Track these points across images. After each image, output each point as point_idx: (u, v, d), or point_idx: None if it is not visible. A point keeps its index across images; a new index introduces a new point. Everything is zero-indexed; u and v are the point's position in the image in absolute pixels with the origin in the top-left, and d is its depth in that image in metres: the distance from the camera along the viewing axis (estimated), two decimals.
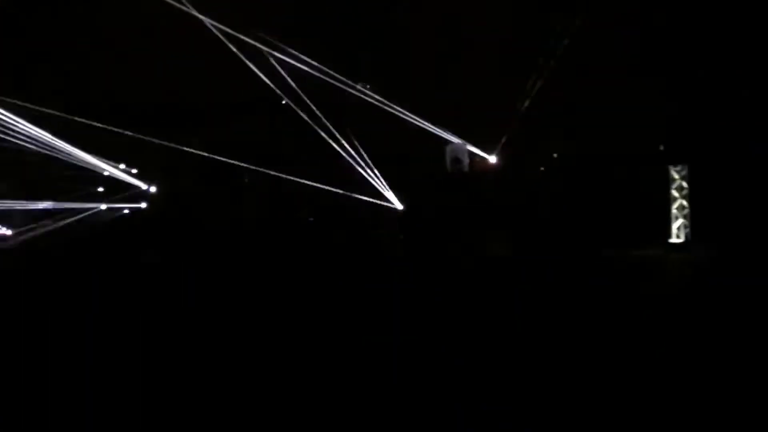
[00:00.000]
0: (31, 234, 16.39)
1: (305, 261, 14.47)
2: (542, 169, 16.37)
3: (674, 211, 15.13)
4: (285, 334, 9.06)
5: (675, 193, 15.15)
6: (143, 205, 17.71)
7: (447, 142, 16.48)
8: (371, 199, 16.52)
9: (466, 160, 16.52)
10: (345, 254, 15.31)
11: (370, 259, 15.08)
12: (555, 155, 16.41)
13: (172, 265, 14.68)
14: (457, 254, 14.63)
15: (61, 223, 16.65)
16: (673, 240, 15.14)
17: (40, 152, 15.49)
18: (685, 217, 15.09)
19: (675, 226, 15.11)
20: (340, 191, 16.65)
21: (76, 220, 16.83)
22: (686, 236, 15.05)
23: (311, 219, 17.48)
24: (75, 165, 16.27)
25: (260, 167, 16.53)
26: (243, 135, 17.38)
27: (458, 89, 16.41)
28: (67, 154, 15.97)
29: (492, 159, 16.47)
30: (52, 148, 15.66)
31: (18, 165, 15.74)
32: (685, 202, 15.11)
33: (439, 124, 16.41)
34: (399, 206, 16.67)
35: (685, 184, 15.11)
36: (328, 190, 16.52)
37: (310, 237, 16.57)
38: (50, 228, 16.59)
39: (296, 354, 8.12)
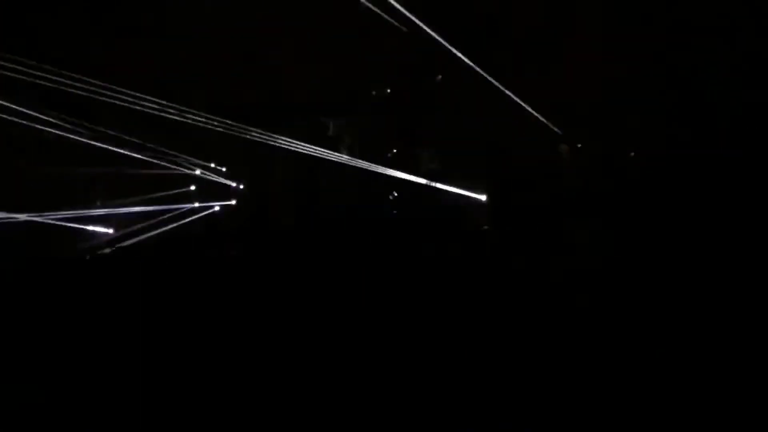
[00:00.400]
0: (129, 234, 17.25)
1: (387, 255, 14.40)
2: (632, 154, 15.50)
3: None
4: (363, 327, 9.09)
5: None
6: (233, 202, 18.25)
7: (533, 129, 15.93)
8: (455, 189, 16.26)
9: (564, 148, 15.92)
10: (430, 248, 15.13)
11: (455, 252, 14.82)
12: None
13: (256, 258, 15.01)
14: (543, 244, 14.11)
15: (156, 222, 17.44)
16: None
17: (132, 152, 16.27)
18: None
19: None
20: (425, 181, 16.48)
21: (169, 218, 17.59)
22: None
23: (395, 207, 17.40)
24: (168, 164, 17.00)
25: (346, 161, 16.64)
26: (323, 130, 17.56)
27: (546, 74, 15.89)
28: (160, 153, 16.68)
29: (579, 145, 15.80)
30: (145, 147, 16.38)
31: (112, 165, 16.56)
32: None
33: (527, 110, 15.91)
34: (483, 197, 16.30)
35: None
36: (412, 181, 16.41)
37: (393, 229, 16.49)
38: (147, 227, 17.41)
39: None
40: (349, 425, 6.27)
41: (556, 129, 15.78)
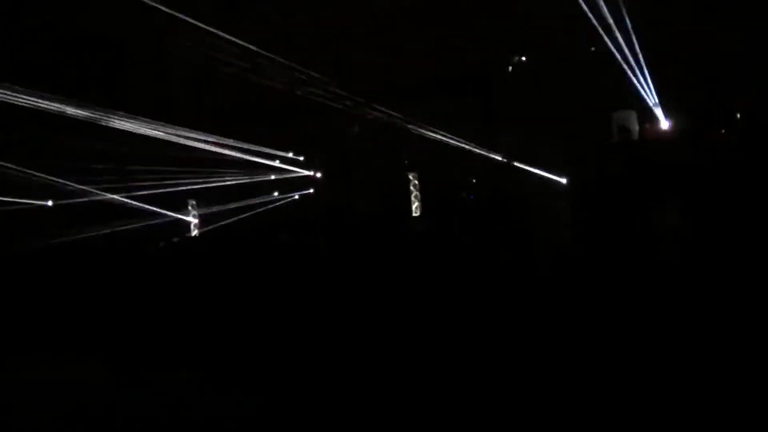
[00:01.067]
0: (212, 221, 17.77)
1: (463, 239, 14.35)
2: (723, 131, 14.88)
3: None
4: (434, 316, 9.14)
5: None
6: (311, 190, 18.55)
7: (614, 108, 15.55)
8: (534, 170, 16.03)
9: (635, 128, 15.46)
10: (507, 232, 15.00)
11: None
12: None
13: (336, 246, 15.22)
14: (626, 228, 13.77)
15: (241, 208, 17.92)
16: None
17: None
18: None
19: None
20: (502, 158, 16.31)
21: (250, 207, 18.03)
22: None
23: (471, 196, 17.32)
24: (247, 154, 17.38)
25: (418, 148, 16.64)
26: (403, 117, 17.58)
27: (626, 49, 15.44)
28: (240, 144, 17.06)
29: (664, 125, 15.28)
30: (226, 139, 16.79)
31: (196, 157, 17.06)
32: None
33: (603, 91, 15.52)
34: (563, 179, 16.00)
35: None
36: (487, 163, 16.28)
37: (469, 214, 16.41)
38: (229, 213, 17.90)
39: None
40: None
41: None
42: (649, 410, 5.74)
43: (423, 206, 17.39)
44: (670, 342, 7.26)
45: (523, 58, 15.75)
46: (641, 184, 14.23)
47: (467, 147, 16.24)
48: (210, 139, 16.50)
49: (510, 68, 16.33)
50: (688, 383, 6.17)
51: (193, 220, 17.74)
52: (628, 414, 5.73)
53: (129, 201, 16.70)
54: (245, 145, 16.94)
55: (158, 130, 15.85)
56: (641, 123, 15.46)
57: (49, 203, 17.08)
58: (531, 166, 16.02)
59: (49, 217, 17.14)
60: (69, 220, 16.56)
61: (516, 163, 16.12)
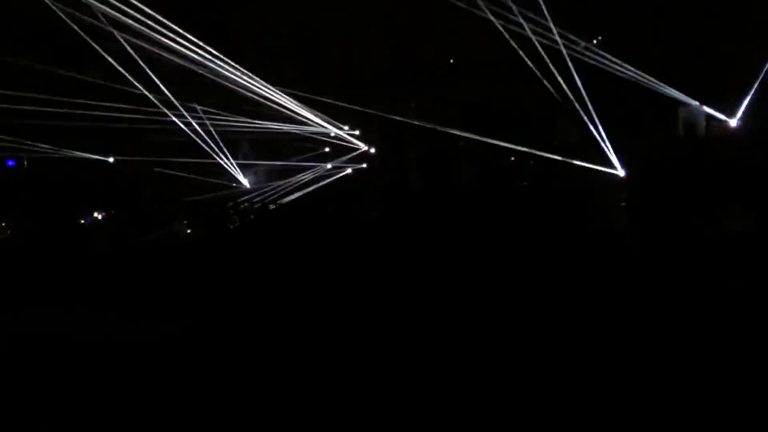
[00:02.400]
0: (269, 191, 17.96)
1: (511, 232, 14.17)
2: None
3: None
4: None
5: None
6: (364, 165, 18.56)
7: (680, 104, 15.13)
8: (592, 165, 15.72)
9: (702, 124, 15.03)
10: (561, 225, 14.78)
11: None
12: None
13: (388, 221, 15.22)
14: (688, 228, 13.44)
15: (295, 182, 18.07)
16: None
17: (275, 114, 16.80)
18: None
19: None
20: (559, 158, 16.07)
21: (304, 181, 18.14)
22: None
23: (525, 183, 17.11)
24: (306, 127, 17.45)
25: (475, 132, 16.45)
26: (461, 98, 17.43)
27: (694, 45, 15.08)
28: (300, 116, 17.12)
29: (732, 122, 14.82)
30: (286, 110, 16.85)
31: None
32: None
33: (671, 85, 15.12)
34: (621, 173, 15.66)
35: None
36: (544, 155, 16.03)
37: (521, 205, 16.19)
38: (283, 186, 18.05)
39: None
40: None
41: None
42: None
43: (476, 190, 17.25)
44: (731, 350, 7.09)
45: (585, 44, 15.37)
46: (705, 183, 13.88)
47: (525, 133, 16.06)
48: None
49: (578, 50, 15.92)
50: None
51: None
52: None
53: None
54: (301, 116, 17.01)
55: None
56: (709, 119, 15.04)
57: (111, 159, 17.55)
58: (589, 157, 15.73)
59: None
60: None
61: (573, 153, 15.84)
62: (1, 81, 14.56)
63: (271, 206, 16.64)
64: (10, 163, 17.91)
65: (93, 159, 17.16)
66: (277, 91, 16.21)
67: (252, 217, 16.14)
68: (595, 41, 15.47)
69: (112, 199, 17.34)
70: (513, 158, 17.18)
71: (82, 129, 15.92)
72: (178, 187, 17.58)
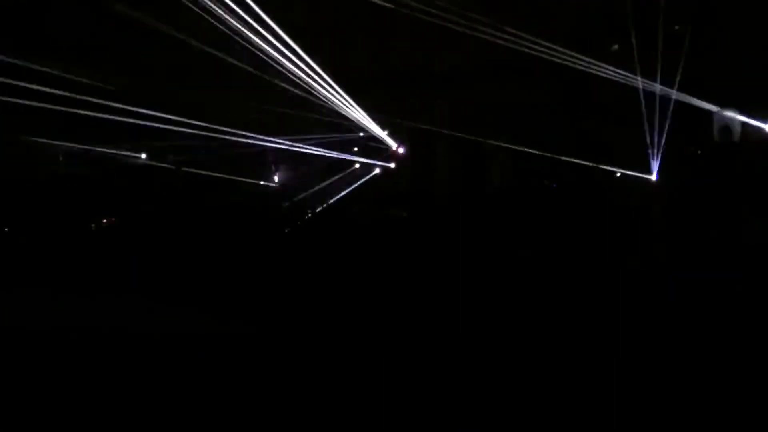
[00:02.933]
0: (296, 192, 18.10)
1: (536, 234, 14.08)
2: None
3: None
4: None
5: None
6: (392, 165, 18.55)
7: (715, 108, 14.88)
8: (622, 170, 15.61)
9: (738, 129, 14.77)
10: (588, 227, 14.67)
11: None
12: None
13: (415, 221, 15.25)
14: (719, 235, 13.26)
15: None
16: None
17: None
18: None
19: None
20: (588, 163, 15.95)
21: (332, 181, 18.22)
22: None
23: (554, 185, 16.98)
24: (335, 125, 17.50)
25: (502, 133, 16.40)
26: (488, 99, 17.35)
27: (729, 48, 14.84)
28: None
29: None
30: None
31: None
32: None
33: (705, 89, 14.89)
34: (653, 177, 15.47)
35: None
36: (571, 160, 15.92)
37: (548, 207, 16.09)
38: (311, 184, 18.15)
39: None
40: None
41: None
42: None
43: (504, 191, 17.19)
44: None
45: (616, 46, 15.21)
46: (740, 190, 13.68)
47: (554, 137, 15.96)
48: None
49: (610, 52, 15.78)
50: None
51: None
52: None
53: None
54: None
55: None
56: (745, 123, 14.78)
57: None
58: (619, 161, 15.60)
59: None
60: None
61: (604, 158, 15.72)
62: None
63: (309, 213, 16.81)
64: None
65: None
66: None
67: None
68: (615, 46, 15.27)
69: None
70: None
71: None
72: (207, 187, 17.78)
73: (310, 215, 16.71)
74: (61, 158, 17.38)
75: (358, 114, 17.32)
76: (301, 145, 17.55)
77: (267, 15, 14.62)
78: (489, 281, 10.22)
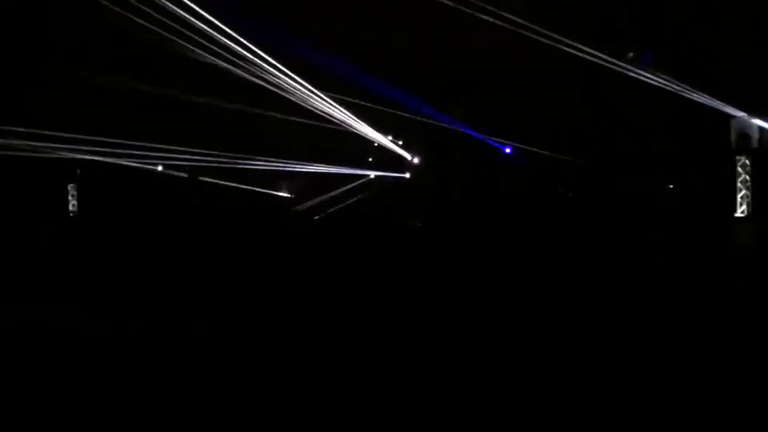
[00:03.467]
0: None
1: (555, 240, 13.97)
2: None
3: None
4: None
5: None
6: (407, 175, 18.54)
7: (732, 115, 14.71)
8: (635, 175, 15.46)
9: (756, 136, 14.57)
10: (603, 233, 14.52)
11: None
12: None
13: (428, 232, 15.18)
14: (736, 242, 13.07)
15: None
16: None
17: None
18: None
19: None
20: (605, 168, 15.83)
21: (347, 189, 18.25)
22: None
23: (570, 194, 16.88)
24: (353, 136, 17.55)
25: (520, 141, 16.35)
26: (501, 109, 17.32)
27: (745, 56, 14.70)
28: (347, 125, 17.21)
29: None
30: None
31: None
32: None
33: (723, 96, 14.74)
34: (668, 184, 15.35)
35: None
36: (589, 166, 15.82)
37: (564, 214, 15.98)
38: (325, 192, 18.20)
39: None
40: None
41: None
42: None
43: (518, 200, 17.10)
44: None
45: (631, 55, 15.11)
46: (758, 196, 13.49)
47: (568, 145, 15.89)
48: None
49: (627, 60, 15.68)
50: None
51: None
52: None
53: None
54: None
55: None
56: (762, 131, 14.58)
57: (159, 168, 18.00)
58: (635, 168, 15.48)
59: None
60: None
61: (620, 165, 15.60)
62: None
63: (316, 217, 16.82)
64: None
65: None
66: (324, 98, 16.34)
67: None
68: (630, 54, 15.17)
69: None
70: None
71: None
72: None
73: (318, 218, 16.68)
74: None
75: (371, 129, 17.40)
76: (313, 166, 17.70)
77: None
78: (499, 288, 10.11)
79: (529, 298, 9.25)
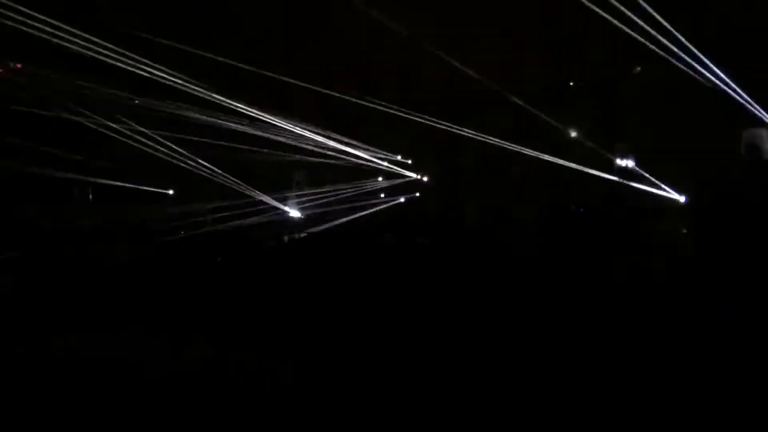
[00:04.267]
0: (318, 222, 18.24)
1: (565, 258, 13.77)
2: None
3: None
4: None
5: None
6: (417, 194, 18.57)
7: (743, 126, 14.41)
8: (649, 189, 15.21)
9: (767, 147, 14.25)
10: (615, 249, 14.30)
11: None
12: None
13: (438, 251, 15.10)
14: (749, 257, 12.72)
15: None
16: None
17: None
18: None
19: None
20: (616, 179, 15.63)
21: (356, 208, 18.31)
22: None
23: (581, 209, 16.68)
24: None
25: (531, 153, 16.24)
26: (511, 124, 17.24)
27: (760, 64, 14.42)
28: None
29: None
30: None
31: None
32: None
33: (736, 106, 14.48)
34: (682, 198, 15.04)
35: None
36: (601, 178, 15.64)
37: (576, 229, 15.78)
38: (334, 213, 18.27)
39: None
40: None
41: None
42: None
43: (533, 217, 16.97)
44: None
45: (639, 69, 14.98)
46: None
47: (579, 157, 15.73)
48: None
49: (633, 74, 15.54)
50: None
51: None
52: None
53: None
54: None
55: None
56: None
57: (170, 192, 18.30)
58: (647, 182, 15.23)
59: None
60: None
61: (631, 178, 15.37)
62: None
63: (297, 235, 16.86)
64: None
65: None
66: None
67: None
68: (638, 69, 15.02)
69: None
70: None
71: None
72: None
73: (308, 233, 16.74)
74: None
75: (381, 152, 17.48)
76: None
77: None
78: (511, 310, 10.01)
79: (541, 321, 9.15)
